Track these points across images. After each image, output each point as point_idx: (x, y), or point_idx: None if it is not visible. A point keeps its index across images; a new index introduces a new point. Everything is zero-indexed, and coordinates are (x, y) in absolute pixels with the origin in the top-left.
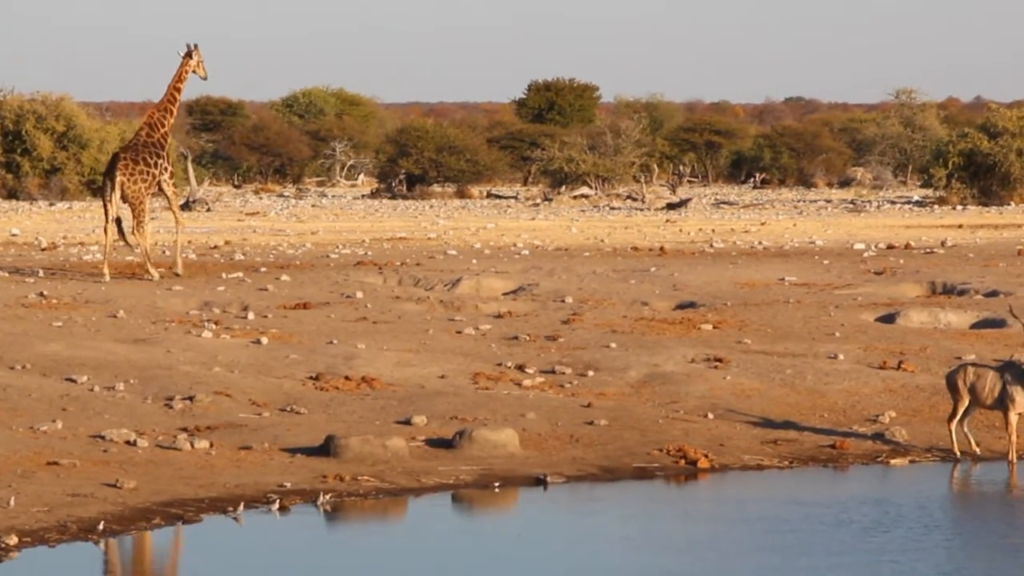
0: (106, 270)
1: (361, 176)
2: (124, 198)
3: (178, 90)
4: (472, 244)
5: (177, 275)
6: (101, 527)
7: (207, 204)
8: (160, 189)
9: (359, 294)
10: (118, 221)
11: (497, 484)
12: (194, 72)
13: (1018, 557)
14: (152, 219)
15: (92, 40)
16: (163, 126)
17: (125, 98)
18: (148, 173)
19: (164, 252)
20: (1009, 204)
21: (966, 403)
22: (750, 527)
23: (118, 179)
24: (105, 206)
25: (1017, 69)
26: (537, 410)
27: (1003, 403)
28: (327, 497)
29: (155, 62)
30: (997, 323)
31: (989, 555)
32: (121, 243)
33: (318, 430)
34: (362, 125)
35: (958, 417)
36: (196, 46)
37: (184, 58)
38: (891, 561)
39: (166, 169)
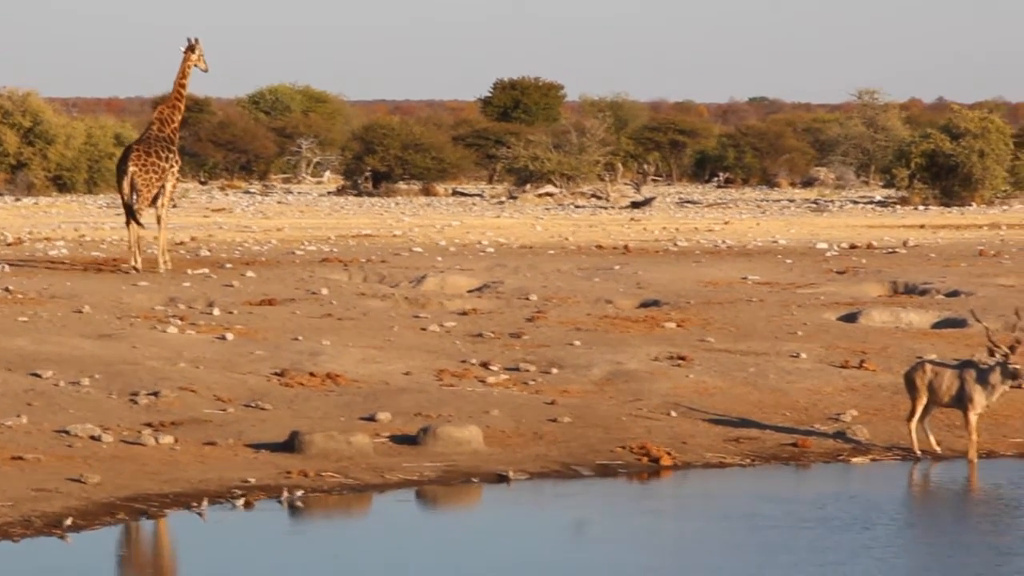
0: (135, 260)
1: (327, 173)
2: (133, 187)
3: (183, 86)
4: (437, 241)
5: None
6: (69, 522)
7: (173, 200)
8: (163, 184)
9: (324, 291)
10: (128, 207)
11: (461, 480)
12: (196, 66)
13: (998, 556)
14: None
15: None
16: (172, 122)
17: (92, 94)
18: (158, 167)
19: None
20: (971, 205)
21: (924, 401)
22: (713, 524)
23: (130, 169)
24: (123, 199)
25: (979, 70)
26: (501, 407)
27: (962, 402)
28: (291, 493)
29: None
30: (958, 323)
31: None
32: (136, 227)
33: (283, 426)
34: (328, 122)
35: (917, 416)
36: (197, 40)
37: (186, 53)
38: (838, 563)
39: (176, 163)
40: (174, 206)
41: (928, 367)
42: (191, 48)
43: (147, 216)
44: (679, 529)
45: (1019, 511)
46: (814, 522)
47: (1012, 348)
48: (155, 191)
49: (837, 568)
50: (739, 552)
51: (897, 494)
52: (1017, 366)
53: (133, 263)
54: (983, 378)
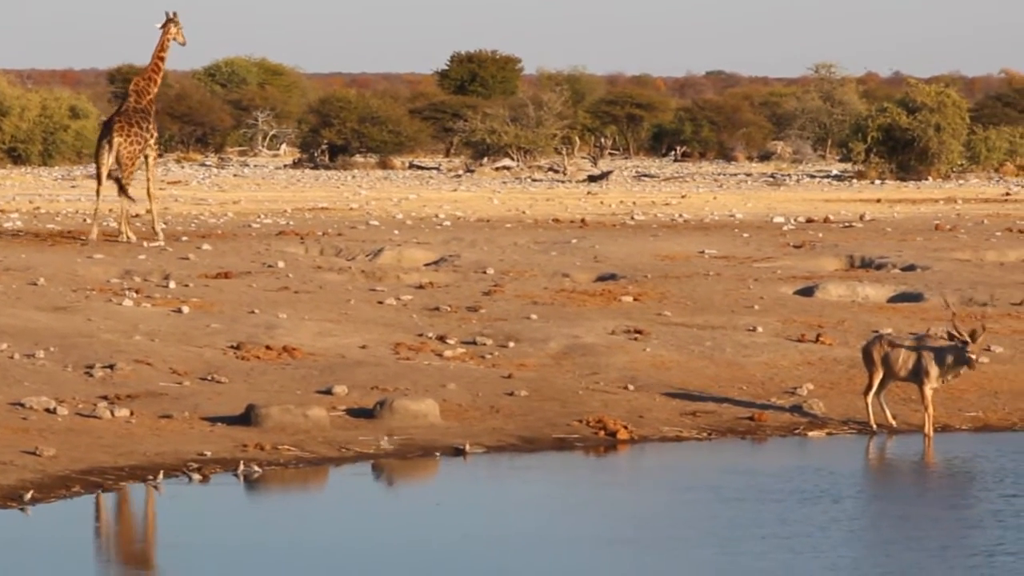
0: (95, 231)
1: (283, 146)
2: (118, 159)
3: (161, 59)
4: (394, 215)
5: (157, 236)
6: (29, 496)
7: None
8: (144, 156)
9: (281, 264)
10: (117, 179)
11: (417, 454)
12: (175, 39)
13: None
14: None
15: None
16: (148, 94)
17: (47, 66)
18: (140, 137)
19: (85, 220)
20: (927, 179)
21: (881, 375)
22: (670, 495)
23: (115, 139)
24: (99, 169)
25: (935, 45)
26: (458, 381)
27: (918, 376)
28: (248, 466)
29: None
30: (914, 297)
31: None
32: (126, 201)
33: (239, 399)
34: (284, 95)
35: (874, 389)
36: (175, 14)
37: (165, 25)
38: (806, 535)
39: (153, 135)
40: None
41: (885, 341)
42: (170, 21)
43: (109, 189)
44: (642, 502)
45: (978, 484)
46: (779, 495)
47: (972, 335)
48: (138, 161)
49: (805, 540)
50: (704, 524)
51: (857, 468)
52: (972, 355)
53: (128, 235)
54: (940, 356)
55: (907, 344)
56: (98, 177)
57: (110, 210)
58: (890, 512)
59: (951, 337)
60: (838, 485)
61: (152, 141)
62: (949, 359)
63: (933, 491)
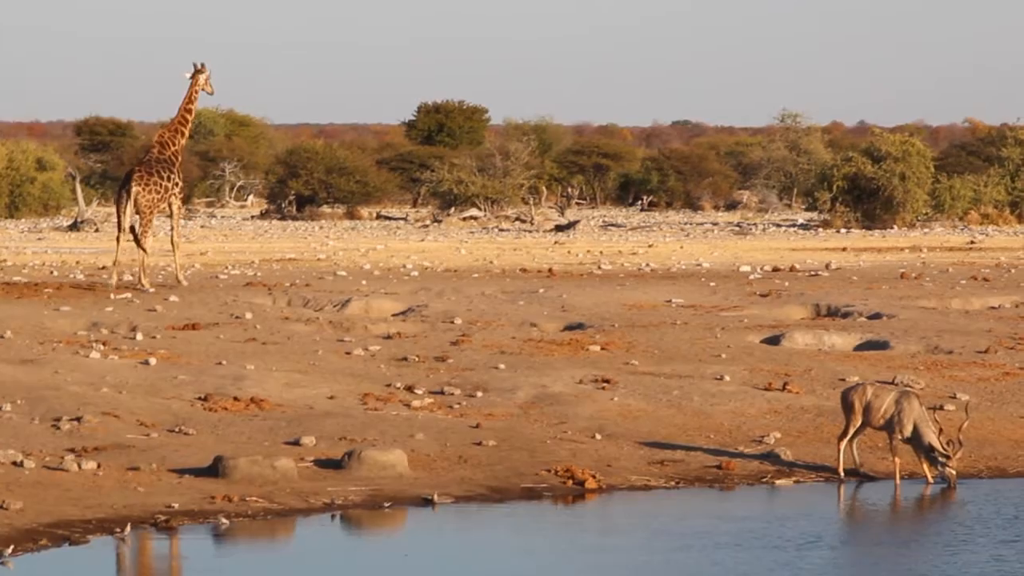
0: (115, 279)
1: (251, 197)
2: (137, 208)
3: (189, 111)
4: (362, 265)
5: (181, 284)
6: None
7: (96, 224)
8: (168, 205)
9: (248, 315)
10: (132, 229)
11: (386, 504)
12: (203, 89)
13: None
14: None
15: None
16: (174, 144)
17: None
18: (161, 186)
19: (52, 272)
20: (892, 228)
21: (859, 422)
22: (638, 544)
23: (134, 189)
24: (119, 219)
25: (900, 94)
26: (426, 431)
27: (891, 426)
28: (216, 518)
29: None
30: (880, 345)
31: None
32: (138, 251)
33: (207, 451)
34: (252, 146)
35: (849, 436)
36: (203, 64)
37: (193, 77)
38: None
39: (177, 184)
40: (96, 230)
41: (868, 388)
42: (198, 72)
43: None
44: (610, 551)
45: (946, 530)
46: (747, 542)
47: (952, 447)
48: (158, 211)
49: None
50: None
51: (825, 515)
52: (950, 470)
53: (144, 283)
54: (920, 439)
55: (889, 393)
56: (119, 226)
57: (78, 262)
58: (860, 559)
59: (931, 449)
60: (806, 532)
61: (177, 191)
62: (926, 446)
63: (901, 538)
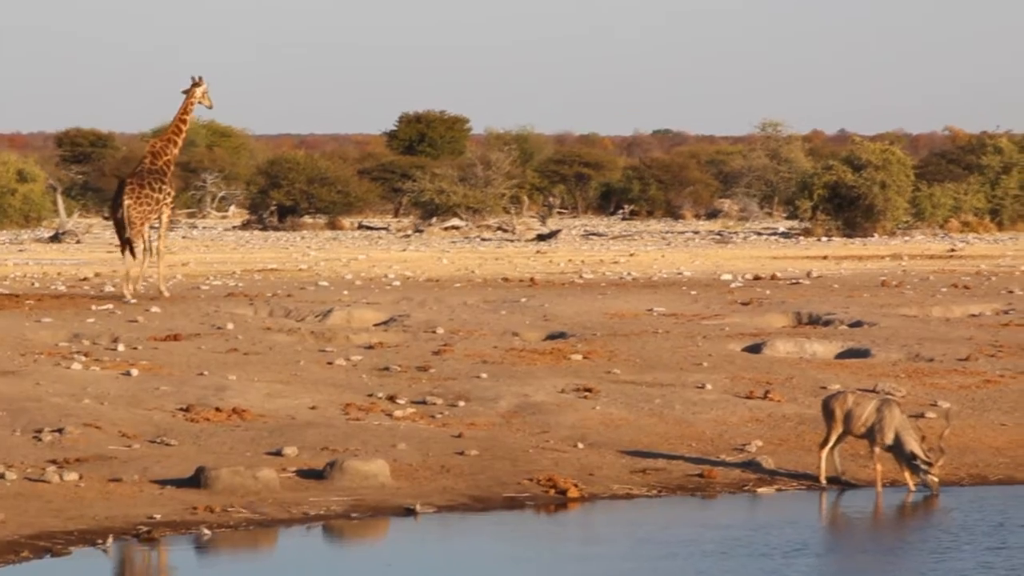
0: (127, 291)
1: (232, 207)
2: (127, 220)
3: (183, 121)
4: (343, 275)
5: (163, 296)
6: None
7: (77, 236)
8: (158, 215)
9: (230, 325)
10: (128, 241)
11: (368, 514)
12: (200, 102)
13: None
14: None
15: None
16: (166, 154)
17: None
18: (152, 198)
19: (33, 284)
20: (873, 236)
21: (840, 430)
22: (621, 552)
23: (125, 201)
24: (118, 232)
25: (880, 103)
26: (408, 441)
27: (873, 435)
28: (198, 529)
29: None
30: (862, 353)
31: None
32: (130, 259)
33: (188, 462)
34: (233, 157)
35: (830, 444)
36: (201, 78)
37: (191, 89)
38: None
39: (169, 194)
40: (77, 241)
41: (849, 397)
42: (196, 84)
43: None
44: (593, 560)
45: (928, 538)
46: (730, 550)
47: (934, 454)
48: (148, 222)
49: None
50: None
51: (813, 523)
52: (932, 478)
53: (127, 294)
54: (901, 448)
55: (871, 402)
56: (119, 238)
57: (59, 273)
58: (846, 567)
59: (913, 457)
60: (791, 540)
61: (169, 201)
62: (908, 454)
63: (886, 545)
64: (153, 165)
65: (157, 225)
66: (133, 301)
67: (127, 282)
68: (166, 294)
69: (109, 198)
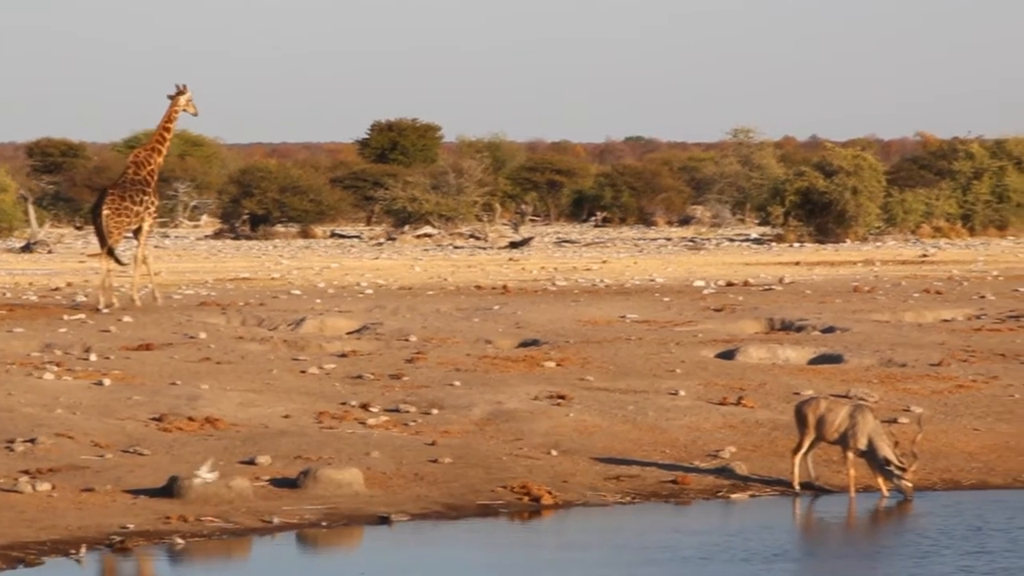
0: (102, 299)
1: (204, 217)
2: (106, 229)
3: (167, 130)
4: (316, 284)
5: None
6: None
7: (48, 246)
8: (139, 225)
9: (202, 335)
10: (111, 250)
11: (342, 523)
12: (184, 110)
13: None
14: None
15: None
16: (149, 164)
17: None
18: (131, 210)
19: (5, 294)
20: (845, 241)
21: (813, 436)
22: (595, 559)
23: (104, 212)
24: (99, 238)
25: (852, 109)
26: (382, 449)
27: (845, 441)
28: (171, 539)
29: None
30: (834, 358)
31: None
32: (118, 267)
33: (161, 471)
34: (205, 166)
35: (803, 450)
36: (185, 86)
37: (174, 97)
38: None
39: (152, 204)
40: (49, 251)
41: (822, 402)
42: (180, 92)
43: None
44: (567, 567)
45: (902, 542)
46: (706, 556)
47: (907, 459)
48: (126, 232)
49: None
50: None
51: (781, 528)
52: (906, 484)
53: (103, 302)
54: (875, 454)
55: (843, 407)
56: (100, 246)
57: (31, 284)
58: (822, 572)
59: (887, 462)
60: (766, 545)
61: (152, 210)
62: (881, 459)
63: (862, 550)
64: (136, 175)
65: (129, 235)
66: (106, 311)
67: (103, 291)
68: (138, 303)
69: (80, 208)
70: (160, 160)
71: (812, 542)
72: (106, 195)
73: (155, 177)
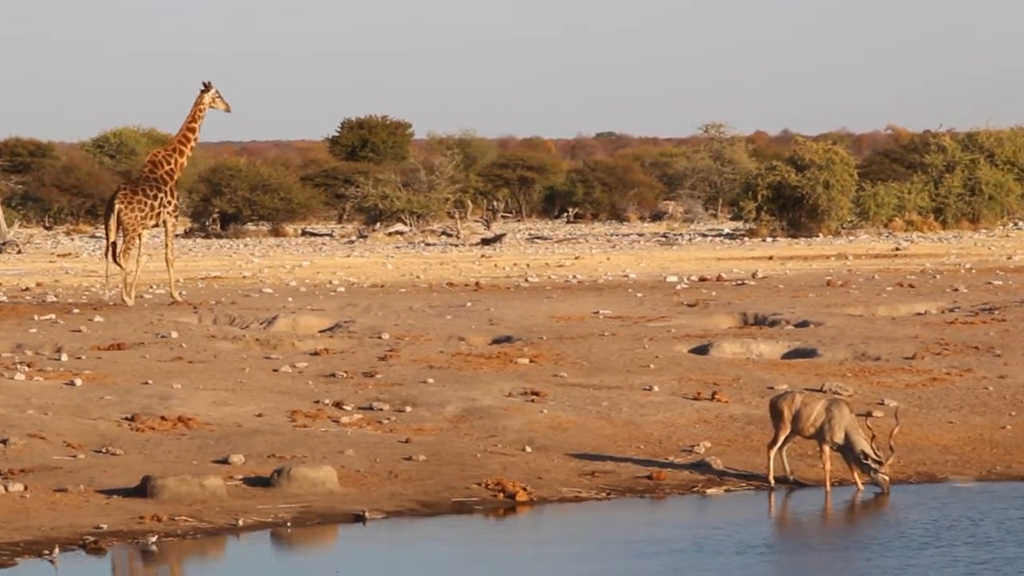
0: (128, 299)
1: None
2: (120, 224)
3: (192, 129)
4: (288, 282)
5: (176, 301)
6: None
7: (18, 246)
8: (161, 222)
9: (174, 334)
10: (113, 245)
11: (316, 521)
12: (212, 107)
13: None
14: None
15: None
16: (168, 163)
17: None
18: (145, 204)
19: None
20: (818, 236)
21: (788, 430)
22: (572, 554)
23: (117, 206)
24: (107, 235)
25: (823, 103)
26: (355, 447)
27: (822, 435)
28: (145, 538)
29: None
30: (808, 353)
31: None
32: (115, 265)
33: (134, 471)
34: None
35: (779, 444)
36: (210, 82)
37: (199, 96)
38: None
39: (169, 203)
40: (18, 251)
41: (797, 397)
42: (205, 90)
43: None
44: (542, 562)
45: (878, 536)
46: (681, 549)
47: (884, 453)
48: (142, 229)
49: None
50: None
51: (757, 523)
52: (882, 477)
53: (125, 299)
54: (851, 449)
55: (819, 402)
56: (107, 240)
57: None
58: (792, 565)
59: (864, 456)
60: (743, 540)
61: (171, 209)
62: (858, 453)
63: (832, 544)
64: (152, 174)
65: (162, 234)
66: (107, 302)
67: (125, 289)
68: (180, 299)
69: (49, 208)
70: (183, 161)
71: (790, 536)
72: (118, 191)
73: (174, 177)
